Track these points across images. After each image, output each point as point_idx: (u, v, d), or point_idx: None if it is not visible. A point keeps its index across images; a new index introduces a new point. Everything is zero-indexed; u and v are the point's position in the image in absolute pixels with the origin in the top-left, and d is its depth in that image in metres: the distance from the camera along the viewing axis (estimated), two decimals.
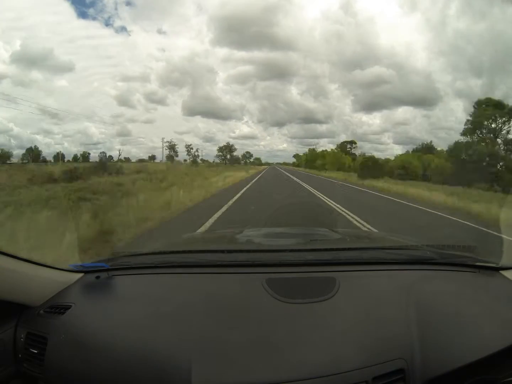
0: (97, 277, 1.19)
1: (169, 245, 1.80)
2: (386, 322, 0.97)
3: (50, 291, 1.12)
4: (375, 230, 5.90)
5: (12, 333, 1.03)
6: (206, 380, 0.79)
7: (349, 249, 1.51)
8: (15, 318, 1.06)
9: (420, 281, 1.22)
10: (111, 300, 1.13)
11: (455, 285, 1.24)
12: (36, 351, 0.97)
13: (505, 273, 1.30)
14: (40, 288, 1.11)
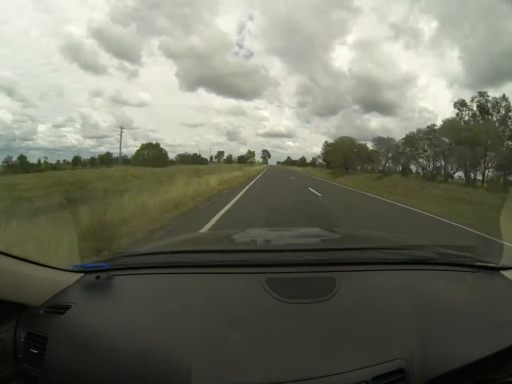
0: (97, 277, 1.19)
1: (169, 245, 1.80)
2: (386, 322, 0.97)
3: (50, 291, 1.12)
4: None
5: (12, 333, 1.03)
6: (206, 380, 0.79)
7: (349, 249, 1.51)
8: (15, 318, 1.06)
9: (420, 281, 1.22)
10: (111, 300, 1.13)
11: (455, 285, 1.24)
12: (36, 351, 0.97)
13: (505, 273, 1.30)
14: (40, 288, 1.11)
